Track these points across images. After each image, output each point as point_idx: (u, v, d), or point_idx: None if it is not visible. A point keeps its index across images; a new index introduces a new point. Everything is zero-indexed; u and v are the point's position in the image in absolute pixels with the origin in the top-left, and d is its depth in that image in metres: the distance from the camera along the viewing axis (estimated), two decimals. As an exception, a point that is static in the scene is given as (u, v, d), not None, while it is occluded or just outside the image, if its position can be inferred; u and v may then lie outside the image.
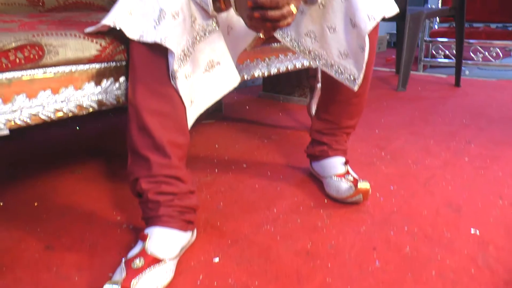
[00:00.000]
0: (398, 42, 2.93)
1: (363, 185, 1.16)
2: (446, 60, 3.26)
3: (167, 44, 0.87)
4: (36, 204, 1.15)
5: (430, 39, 3.36)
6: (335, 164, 1.25)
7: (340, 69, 1.10)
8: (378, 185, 1.29)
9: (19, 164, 1.44)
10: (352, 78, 1.09)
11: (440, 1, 3.67)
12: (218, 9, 0.97)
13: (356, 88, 1.08)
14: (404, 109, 2.14)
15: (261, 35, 1.23)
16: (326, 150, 1.26)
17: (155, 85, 0.92)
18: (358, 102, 1.21)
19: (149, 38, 0.89)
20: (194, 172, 1.32)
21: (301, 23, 1.12)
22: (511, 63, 3.20)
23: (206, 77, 1.05)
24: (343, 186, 1.18)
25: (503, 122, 1.91)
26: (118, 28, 0.90)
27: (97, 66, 0.94)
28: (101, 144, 1.65)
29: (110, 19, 0.90)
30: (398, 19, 2.56)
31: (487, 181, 1.32)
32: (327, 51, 1.11)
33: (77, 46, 0.90)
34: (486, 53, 3.19)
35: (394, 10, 1.10)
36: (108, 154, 1.51)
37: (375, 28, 1.07)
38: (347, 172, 1.22)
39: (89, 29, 0.93)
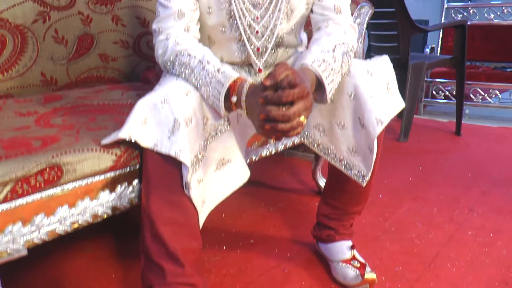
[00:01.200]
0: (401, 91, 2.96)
1: (370, 275, 1.18)
2: (446, 101, 3.31)
3: (181, 158, 0.90)
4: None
5: (430, 79, 3.41)
6: (342, 249, 1.27)
7: (349, 165, 1.13)
8: (383, 265, 1.31)
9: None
10: (360, 175, 1.11)
11: (439, 43, 3.75)
12: (229, 109, 1.00)
13: (364, 184, 1.11)
14: (407, 166, 2.17)
15: (271, 141, 1.26)
16: (333, 235, 1.28)
17: (168, 195, 0.95)
18: (364, 190, 1.23)
19: (164, 149, 0.92)
20: (202, 251, 1.33)
21: (310, 115, 1.15)
22: (509, 102, 3.24)
23: (217, 175, 1.07)
24: (350, 273, 1.20)
25: (505, 184, 1.94)
26: (133, 141, 0.93)
27: (112, 174, 0.97)
28: (111, 219, 1.66)
29: (126, 132, 0.92)
30: (400, 69, 2.60)
31: (491, 262, 1.34)
32: (336, 145, 1.14)
33: (93, 160, 0.92)
34: (486, 95, 3.23)
35: (400, 105, 1.14)
36: (119, 229, 1.52)
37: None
38: (354, 257, 1.25)
39: (105, 141, 0.95)
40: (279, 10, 1.12)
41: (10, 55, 1.30)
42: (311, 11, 1.19)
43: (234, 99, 0.96)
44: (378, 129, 1.03)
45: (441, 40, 3.74)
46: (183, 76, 1.02)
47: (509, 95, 3.23)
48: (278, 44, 1.19)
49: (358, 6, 1.71)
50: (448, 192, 1.84)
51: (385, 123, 1.04)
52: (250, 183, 1.21)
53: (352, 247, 1.27)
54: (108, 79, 1.55)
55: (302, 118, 0.89)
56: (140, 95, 1.39)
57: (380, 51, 2.63)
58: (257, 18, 1.12)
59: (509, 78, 3.22)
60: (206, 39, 1.17)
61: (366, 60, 1.15)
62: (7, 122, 1.09)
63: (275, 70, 0.91)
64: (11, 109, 1.19)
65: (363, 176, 1.11)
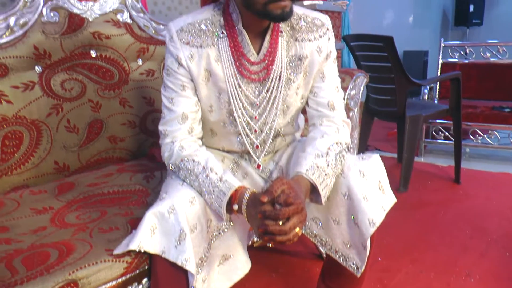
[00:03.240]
0: (399, 139, 3.04)
1: None
2: (446, 141, 3.37)
3: (187, 267, 0.98)
4: None
5: (430, 120, 3.47)
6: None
7: (344, 256, 1.20)
8: None
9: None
10: (355, 267, 1.18)
11: (438, 72, 3.84)
12: (231, 213, 1.09)
13: (359, 275, 1.18)
14: (406, 222, 2.22)
15: (270, 245, 1.34)
16: (332, 310, 1.34)
17: (176, 299, 1.02)
18: (361, 275, 1.29)
19: (171, 257, 1.00)
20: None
21: (308, 209, 1.22)
22: (508, 142, 3.29)
23: (220, 269, 1.15)
24: None
25: (503, 243, 1.98)
26: (143, 251, 1.01)
27: (123, 278, 1.04)
28: None
29: (136, 244, 1.00)
30: (398, 120, 2.68)
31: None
32: (331, 238, 1.21)
33: (107, 270, 1.00)
34: (485, 136, 3.30)
35: (392, 201, 1.21)
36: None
37: None
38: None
39: (117, 251, 1.03)
40: (276, 108, 1.20)
41: (27, 149, 1.39)
42: (307, 103, 1.27)
43: (235, 207, 1.05)
44: (370, 230, 1.10)
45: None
46: (187, 181, 1.10)
47: (508, 135, 3.28)
48: (276, 135, 1.27)
49: (353, 78, 1.79)
50: (445, 253, 1.90)
51: (378, 224, 1.11)
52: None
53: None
54: (117, 158, 1.63)
55: (297, 229, 0.99)
56: (147, 178, 1.48)
57: (378, 103, 2.71)
58: (255, 117, 1.20)
59: (507, 119, 3.28)
60: (208, 131, 1.26)
61: (359, 156, 1.22)
62: (25, 223, 1.17)
63: (271, 186, 1.01)
64: (27, 204, 1.27)
65: (358, 268, 1.17)
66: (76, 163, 1.52)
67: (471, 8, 6.13)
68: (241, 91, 1.17)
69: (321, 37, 1.20)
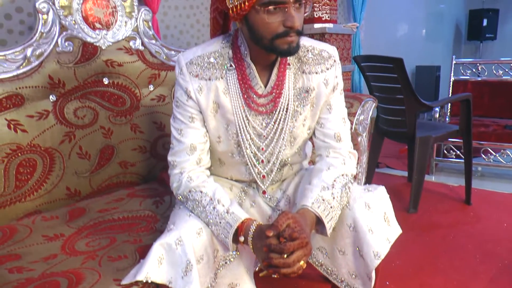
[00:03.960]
0: (410, 159, 3.04)
1: None
2: (458, 160, 3.35)
3: (194, 298, 1.00)
4: None
5: (440, 141, 3.46)
6: None
7: (350, 286, 1.21)
8: None
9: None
10: (361, 297, 1.19)
11: (450, 89, 3.83)
12: (237, 243, 1.10)
13: (364, 304, 1.18)
14: (416, 244, 2.21)
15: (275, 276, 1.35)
16: None
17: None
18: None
19: (178, 287, 1.03)
20: None
21: (313, 239, 1.24)
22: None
23: (226, 297, 1.16)
24: None
25: (512, 268, 1.97)
26: (150, 282, 1.03)
27: (132, 308, 1.06)
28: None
29: (143, 274, 1.03)
30: (408, 141, 2.68)
31: None
32: (337, 268, 1.22)
33: (116, 302, 1.02)
34: (497, 155, 3.27)
35: (397, 233, 1.22)
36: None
37: None
38: None
39: (125, 281, 1.05)
40: (283, 139, 1.22)
41: (40, 176, 1.42)
42: (314, 134, 1.29)
43: (241, 238, 1.07)
44: (375, 262, 1.11)
45: (451, 96, 3.81)
46: (195, 212, 1.13)
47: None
48: (283, 165, 1.29)
49: (362, 103, 1.80)
50: (454, 278, 1.88)
51: (382, 257, 1.12)
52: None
53: None
54: (127, 183, 1.66)
55: (302, 263, 1.01)
56: (156, 203, 1.51)
57: (388, 124, 2.71)
58: (262, 148, 1.22)
59: (519, 138, 3.26)
60: (217, 160, 1.28)
61: (365, 187, 1.23)
62: (36, 250, 1.21)
63: (277, 220, 1.03)
64: (39, 231, 1.30)
65: (363, 297, 1.18)
66: (88, 188, 1.55)
67: (485, 22, 6.12)
68: (248, 123, 1.19)
69: (328, 69, 1.22)
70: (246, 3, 1.03)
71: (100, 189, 1.59)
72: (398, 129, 2.62)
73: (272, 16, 1.03)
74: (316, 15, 2.39)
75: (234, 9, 1.05)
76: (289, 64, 1.19)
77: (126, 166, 1.65)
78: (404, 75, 2.43)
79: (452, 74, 3.86)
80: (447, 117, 3.71)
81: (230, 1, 1.06)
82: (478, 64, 3.85)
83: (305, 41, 1.23)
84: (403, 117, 2.54)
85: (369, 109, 1.85)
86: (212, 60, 1.16)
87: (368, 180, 3.01)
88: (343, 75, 2.58)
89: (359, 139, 1.81)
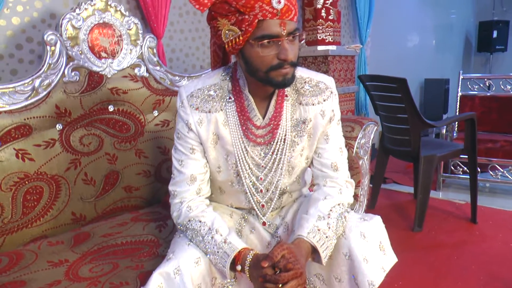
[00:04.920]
0: (415, 176, 3.04)
1: None
2: (465, 176, 3.33)
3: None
4: None
5: (445, 160, 3.44)
6: None
7: (347, 313, 1.23)
8: None
9: None
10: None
11: (457, 105, 3.82)
12: (234, 271, 1.13)
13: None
14: (420, 265, 2.21)
15: None
16: None
17: None
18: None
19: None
20: None
21: (311, 266, 1.26)
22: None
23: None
24: None
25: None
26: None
27: (130, 336, 1.09)
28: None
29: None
30: (413, 160, 2.68)
31: None
32: (335, 296, 1.24)
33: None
34: (505, 171, 3.25)
35: (393, 261, 1.23)
36: None
37: None
38: None
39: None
40: (281, 169, 1.25)
41: (46, 203, 1.47)
42: (312, 163, 1.31)
43: (238, 267, 1.10)
44: (370, 291, 1.13)
45: (458, 111, 3.81)
46: (194, 241, 1.16)
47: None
48: (282, 193, 1.32)
49: (363, 127, 1.82)
50: (457, 303, 1.88)
51: (377, 285, 1.14)
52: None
53: None
54: (132, 206, 1.70)
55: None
56: (160, 227, 1.54)
57: (392, 143, 2.72)
58: (261, 178, 1.26)
59: (527, 155, 3.24)
60: (217, 189, 1.32)
61: (361, 217, 1.25)
62: (41, 276, 1.25)
63: (272, 251, 1.06)
64: (44, 257, 1.34)
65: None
66: (93, 213, 1.59)
67: (495, 34, 6.08)
68: (247, 154, 1.22)
69: (324, 100, 1.25)
70: (241, 38, 1.07)
71: (105, 213, 1.63)
72: (403, 148, 2.63)
73: (266, 50, 1.07)
74: (320, 37, 2.42)
75: (230, 44, 1.09)
76: (286, 96, 1.23)
77: (130, 190, 1.69)
78: (407, 95, 2.44)
79: (459, 89, 3.86)
80: (455, 132, 3.70)
81: (226, 36, 1.09)
82: (485, 80, 3.84)
83: (303, 73, 1.26)
84: (407, 136, 2.55)
85: (370, 132, 1.87)
86: (212, 92, 1.20)
87: (374, 198, 3.02)
88: (346, 96, 2.60)
89: (360, 162, 1.83)
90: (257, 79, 1.12)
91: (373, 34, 3.56)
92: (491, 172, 3.30)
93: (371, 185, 3.19)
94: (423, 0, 5.58)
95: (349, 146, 1.78)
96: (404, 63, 5.11)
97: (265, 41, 1.06)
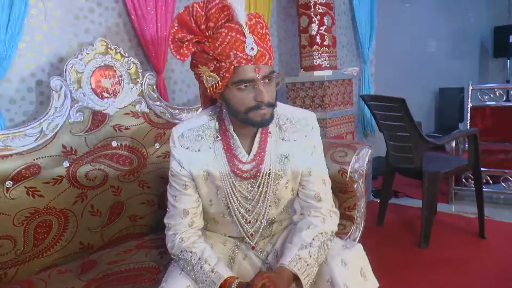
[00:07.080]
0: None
1: None
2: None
3: None
4: None
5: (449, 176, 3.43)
6: None
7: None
8: None
9: None
10: None
11: (468, 116, 3.81)
12: None
13: None
14: (423, 283, 2.22)
15: None
16: None
17: None
18: None
19: None
20: None
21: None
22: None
23: None
24: None
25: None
26: None
27: None
28: None
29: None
30: (418, 177, 2.71)
31: None
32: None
33: None
34: (517, 183, 3.23)
35: (374, 286, 1.30)
36: None
37: None
38: None
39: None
40: (267, 201, 1.34)
41: (55, 234, 1.60)
42: (297, 194, 1.40)
43: None
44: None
45: (469, 122, 3.80)
46: (185, 271, 1.26)
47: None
48: (271, 222, 1.40)
49: (356, 151, 1.88)
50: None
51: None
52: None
53: None
54: (137, 234, 1.82)
55: None
56: (162, 253, 1.64)
57: (396, 160, 2.76)
58: (249, 210, 1.35)
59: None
60: (211, 219, 1.42)
61: (343, 245, 1.32)
62: (49, 306, 1.36)
63: (253, 280, 1.15)
64: (53, 285, 1.46)
65: None
66: (100, 242, 1.71)
67: (511, 38, 6.02)
68: (235, 188, 1.32)
69: (305, 136, 1.34)
70: (220, 83, 1.17)
71: (112, 241, 1.74)
72: (407, 165, 2.67)
73: (243, 93, 1.17)
74: (316, 62, 2.50)
75: (211, 88, 1.19)
76: (270, 133, 1.32)
77: (135, 219, 1.80)
78: (407, 114, 2.49)
79: (469, 100, 3.85)
80: (466, 143, 3.69)
81: (207, 82, 1.20)
82: (495, 90, 3.83)
83: (285, 110, 1.35)
84: (410, 154, 2.59)
85: (364, 156, 1.92)
86: (200, 132, 1.30)
87: (381, 213, 3.05)
88: (344, 119, 2.67)
89: (355, 186, 1.89)
90: (238, 120, 1.22)
91: (378, 50, 3.59)
92: (503, 184, 3.28)
93: (378, 201, 3.23)
94: (436, 7, 5.57)
95: (342, 171, 1.85)
96: (417, 74, 5.10)
97: (242, 85, 1.15)
